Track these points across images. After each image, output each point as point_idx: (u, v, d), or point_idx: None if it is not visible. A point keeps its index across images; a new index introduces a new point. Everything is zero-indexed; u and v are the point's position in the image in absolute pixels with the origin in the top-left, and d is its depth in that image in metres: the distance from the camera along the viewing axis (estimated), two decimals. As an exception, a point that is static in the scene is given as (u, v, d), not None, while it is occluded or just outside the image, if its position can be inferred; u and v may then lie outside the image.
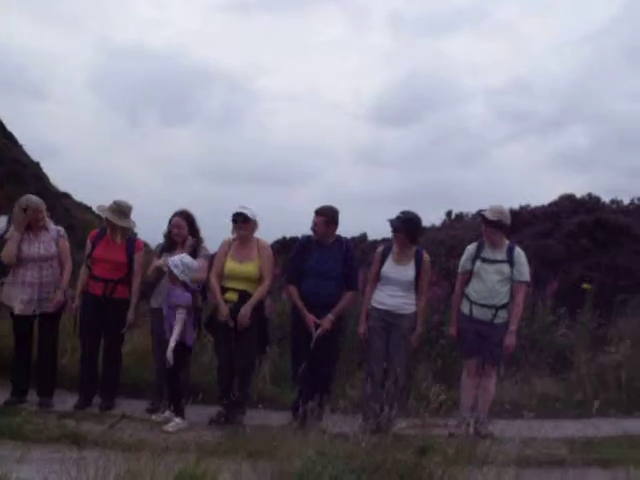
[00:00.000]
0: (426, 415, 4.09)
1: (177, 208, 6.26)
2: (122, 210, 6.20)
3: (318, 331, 5.77)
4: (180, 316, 5.59)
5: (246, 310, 5.75)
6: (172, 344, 5.53)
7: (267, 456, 3.71)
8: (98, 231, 6.35)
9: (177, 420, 5.55)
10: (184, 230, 6.10)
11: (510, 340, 5.82)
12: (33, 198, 6.19)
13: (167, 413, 5.64)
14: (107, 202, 6.26)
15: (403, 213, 5.94)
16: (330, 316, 5.82)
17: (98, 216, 6.38)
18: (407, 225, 5.88)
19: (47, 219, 6.23)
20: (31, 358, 6.19)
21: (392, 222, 5.90)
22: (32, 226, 6.07)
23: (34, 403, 6.00)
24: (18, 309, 5.98)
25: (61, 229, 6.32)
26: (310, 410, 4.40)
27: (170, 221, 6.19)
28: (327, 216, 5.98)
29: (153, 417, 5.71)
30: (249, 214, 5.88)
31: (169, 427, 5.47)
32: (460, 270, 6.07)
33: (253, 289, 5.88)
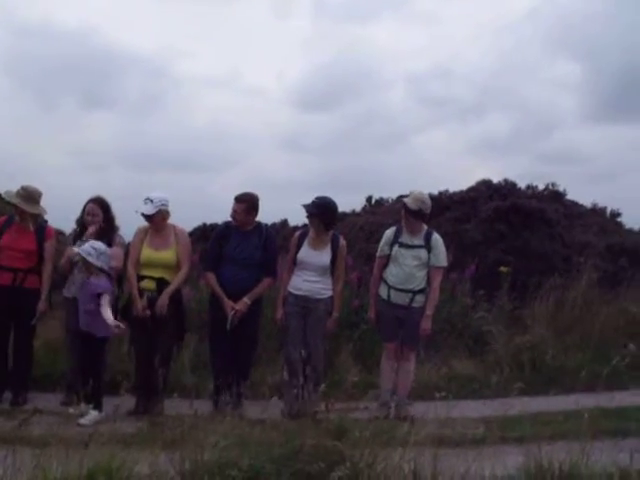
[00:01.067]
0: (345, 398, 4.13)
1: (93, 195, 6.10)
2: (31, 196, 5.96)
3: (232, 312, 5.71)
4: (106, 300, 5.44)
5: (163, 300, 5.67)
6: (112, 321, 5.41)
7: (185, 446, 3.64)
8: (6, 218, 6.08)
9: (94, 412, 5.40)
10: (98, 217, 5.93)
11: (426, 324, 5.92)
12: None
13: (83, 406, 5.47)
14: (15, 188, 6.01)
15: (318, 198, 5.96)
16: (245, 299, 5.78)
17: (8, 203, 6.08)
18: (321, 210, 5.89)
19: None
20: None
21: (307, 207, 5.91)
22: None
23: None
24: None
25: None
26: (229, 397, 4.37)
27: (84, 208, 6.02)
28: (247, 203, 5.92)
29: (70, 410, 5.51)
30: (150, 211, 5.73)
31: (85, 420, 5.31)
32: (378, 254, 6.13)
33: (171, 276, 5.79)
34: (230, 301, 5.76)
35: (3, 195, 6.21)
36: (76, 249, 5.60)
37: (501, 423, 5.29)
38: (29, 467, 3.28)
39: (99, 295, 5.47)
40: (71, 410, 5.50)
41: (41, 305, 5.91)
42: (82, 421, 5.28)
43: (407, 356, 6.00)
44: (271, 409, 4.30)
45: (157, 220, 5.82)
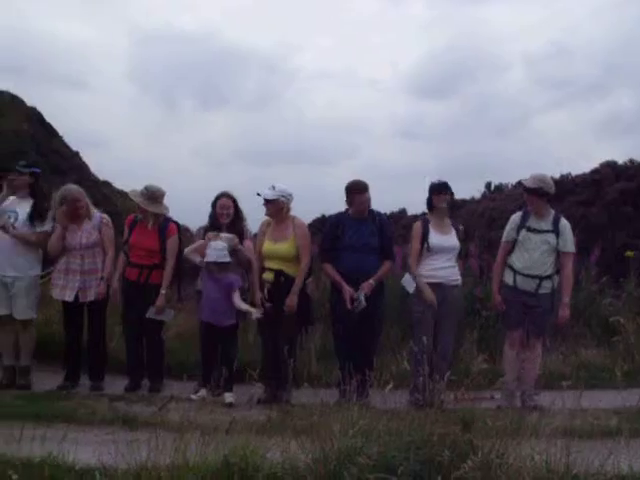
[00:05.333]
0: (471, 387, 4.10)
1: (218, 191, 6.30)
2: (154, 195, 6.22)
3: (359, 292, 5.74)
4: (237, 292, 5.77)
5: (292, 300, 5.82)
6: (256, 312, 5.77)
7: (314, 434, 3.74)
8: (133, 217, 6.40)
9: (232, 394, 5.74)
10: (231, 210, 6.15)
11: (564, 312, 5.75)
12: (71, 188, 6.26)
13: (201, 392, 5.76)
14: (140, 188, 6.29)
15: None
16: (371, 281, 5.81)
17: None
18: (448, 186, 6.00)
19: (91, 207, 6.31)
20: (81, 344, 6.34)
21: (433, 185, 6.01)
22: (73, 216, 6.16)
23: (86, 387, 6.19)
24: (60, 295, 6.14)
25: (105, 216, 6.37)
26: (355, 386, 4.42)
27: (214, 203, 6.24)
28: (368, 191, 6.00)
29: (192, 396, 5.75)
30: (269, 195, 5.89)
31: (229, 399, 5.69)
32: (504, 239, 6.00)
33: (289, 268, 5.92)
34: (350, 288, 5.82)
35: (129, 194, 6.56)
36: (208, 254, 5.80)
37: (634, 414, 5.08)
38: (170, 450, 3.46)
39: (230, 288, 5.75)
40: (192, 396, 5.76)
41: (159, 300, 6.11)
42: (227, 400, 5.65)
43: (533, 344, 5.85)
44: (395, 398, 4.33)
45: (273, 208, 5.96)
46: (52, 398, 5.68)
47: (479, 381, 4.23)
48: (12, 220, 6.12)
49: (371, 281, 5.81)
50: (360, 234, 5.93)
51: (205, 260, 5.81)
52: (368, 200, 5.97)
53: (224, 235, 5.88)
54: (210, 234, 5.93)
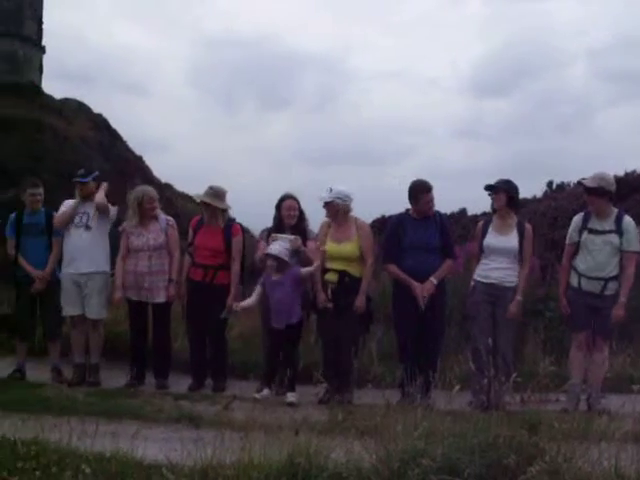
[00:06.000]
0: (537, 389, 4.03)
1: (279, 193, 6.38)
2: (218, 194, 6.36)
3: (424, 293, 5.73)
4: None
5: (360, 300, 5.85)
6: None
7: (377, 435, 3.74)
8: (198, 219, 6.52)
9: (294, 393, 5.78)
10: (296, 211, 6.23)
11: (618, 311, 5.60)
12: (148, 188, 6.50)
13: (265, 391, 5.81)
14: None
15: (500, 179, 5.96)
16: (432, 279, 5.79)
17: (199, 205, 6.57)
18: (508, 184, 5.89)
19: (158, 210, 6.49)
20: (147, 343, 6.52)
21: (490, 185, 5.91)
22: (144, 216, 6.33)
23: (151, 385, 6.35)
24: (128, 295, 6.34)
25: (170, 219, 6.54)
26: (418, 387, 4.40)
27: (279, 205, 6.30)
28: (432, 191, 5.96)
29: (255, 396, 5.83)
30: (325, 198, 5.96)
31: (291, 398, 5.71)
32: (567, 241, 5.89)
33: (353, 269, 5.95)
34: (415, 282, 5.79)
35: (194, 197, 6.71)
36: (272, 247, 5.88)
37: None
38: (235, 449, 3.52)
39: (291, 289, 5.80)
40: (256, 395, 5.83)
41: (230, 300, 6.22)
42: (289, 400, 5.70)
43: (600, 347, 5.71)
44: (459, 400, 4.29)
45: (330, 210, 6.01)
46: (120, 395, 5.85)
47: (545, 383, 4.15)
48: (85, 220, 6.36)
49: (432, 279, 5.79)
50: (421, 234, 5.91)
51: (266, 252, 5.88)
52: (432, 200, 5.97)
53: (287, 237, 5.95)
54: (274, 235, 6.02)
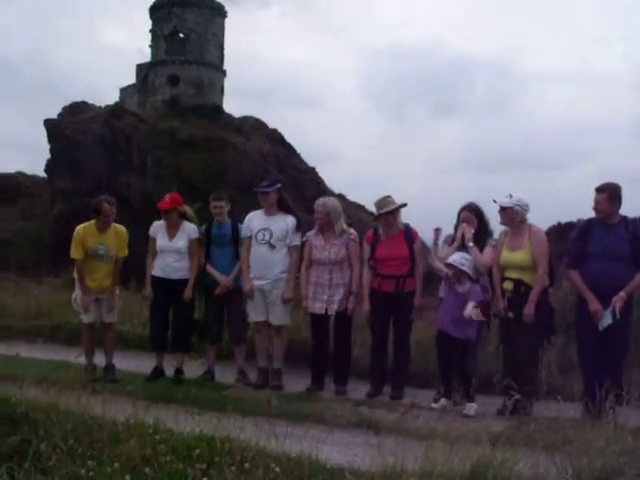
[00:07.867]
0: None
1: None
2: (387, 200, 6.44)
3: (610, 307, 5.45)
4: (475, 311, 5.75)
5: (529, 309, 5.69)
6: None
7: (563, 450, 3.60)
8: (373, 232, 6.61)
9: (473, 404, 5.71)
10: (473, 223, 6.20)
11: None
12: (328, 201, 6.68)
13: (442, 401, 5.81)
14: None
15: None
16: (622, 293, 5.47)
17: (371, 214, 6.69)
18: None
19: (343, 223, 6.62)
20: (328, 351, 6.72)
21: None
22: (324, 228, 6.54)
23: (331, 391, 6.53)
24: (310, 307, 6.56)
25: (353, 232, 6.63)
26: (604, 402, 4.18)
27: (459, 215, 6.33)
28: (609, 192, 5.66)
29: (433, 405, 5.84)
30: (505, 203, 5.87)
31: (469, 411, 5.65)
32: None
33: (528, 277, 5.80)
34: (596, 300, 5.52)
35: (376, 212, 6.68)
36: (453, 257, 5.95)
37: None
38: (416, 457, 3.52)
39: (466, 298, 5.79)
40: (433, 405, 5.81)
41: (416, 300, 6.36)
42: (466, 412, 5.64)
43: None
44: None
45: (506, 216, 5.92)
46: (302, 399, 6.08)
47: None
48: (267, 237, 6.63)
49: (622, 293, 5.47)
50: (608, 240, 5.62)
51: (447, 261, 5.95)
52: (605, 202, 5.64)
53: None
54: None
